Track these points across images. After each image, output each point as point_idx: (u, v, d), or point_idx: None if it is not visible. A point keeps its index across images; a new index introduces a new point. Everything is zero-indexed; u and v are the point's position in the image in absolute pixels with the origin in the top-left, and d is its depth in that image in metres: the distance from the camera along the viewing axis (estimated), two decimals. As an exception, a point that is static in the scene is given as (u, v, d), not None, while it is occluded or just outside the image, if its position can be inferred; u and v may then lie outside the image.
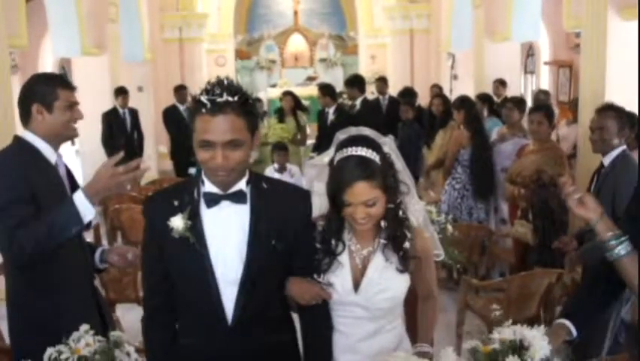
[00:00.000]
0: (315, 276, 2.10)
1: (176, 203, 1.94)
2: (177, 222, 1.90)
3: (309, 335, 2.15)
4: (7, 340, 2.96)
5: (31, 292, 2.56)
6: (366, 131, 2.19)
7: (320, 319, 2.12)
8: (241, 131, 1.83)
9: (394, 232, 2.10)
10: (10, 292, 2.61)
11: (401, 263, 2.10)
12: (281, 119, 8.07)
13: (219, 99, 1.79)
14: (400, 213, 2.12)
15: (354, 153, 2.02)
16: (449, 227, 3.81)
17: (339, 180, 2.01)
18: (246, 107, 1.84)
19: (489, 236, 5.10)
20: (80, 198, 2.32)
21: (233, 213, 1.94)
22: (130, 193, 6.40)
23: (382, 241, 2.12)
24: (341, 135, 2.16)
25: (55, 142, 2.59)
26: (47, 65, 10.43)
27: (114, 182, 2.31)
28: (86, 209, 2.32)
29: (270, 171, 6.48)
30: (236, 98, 1.80)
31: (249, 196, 1.95)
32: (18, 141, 2.58)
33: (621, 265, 1.85)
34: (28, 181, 2.41)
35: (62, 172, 2.63)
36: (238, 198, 1.94)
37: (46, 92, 2.52)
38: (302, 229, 2.04)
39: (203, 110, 1.80)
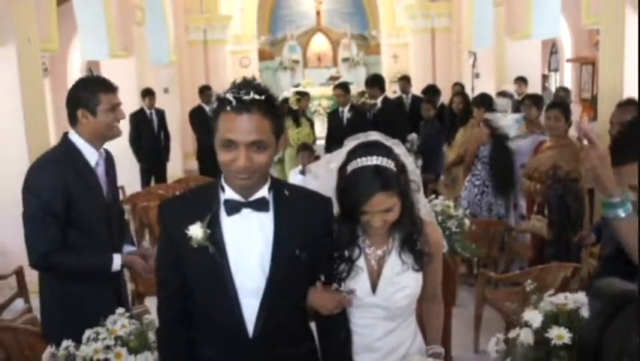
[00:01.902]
0: (336, 285, 2.03)
1: (194, 210, 1.84)
2: (196, 231, 1.80)
3: (327, 342, 2.07)
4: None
5: (59, 282, 2.77)
6: (375, 135, 2.14)
7: (338, 324, 2.06)
8: (266, 133, 1.74)
9: (409, 231, 2.08)
10: (43, 282, 2.84)
11: (416, 261, 2.08)
12: (296, 121, 8.09)
13: (246, 97, 1.70)
14: (414, 212, 2.10)
15: (369, 163, 1.96)
16: (466, 221, 3.89)
17: (355, 192, 1.96)
18: (272, 107, 1.76)
19: (508, 232, 5.17)
20: (117, 260, 2.77)
21: (255, 222, 1.85)
22: (158, 191, 6.60)
23: (396, 241, 2.10)
24: (350, 142, 2.11)
25: (99, 142, 2.80)
26: (75, 68, 10.71)
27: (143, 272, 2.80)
28: (116, 266, 2.78)
29: (296, 174, 6.44)
30: (263, 97, 1.73)
31: (271, 204, 1.86)
32: (64, 140, 2.78)
33: (619, 226, 1.92)
34: (66, 187, 2.63)
35: (101, 172, 2.80)
36: (260, 205, 1.85)
37: (90, 97, 2.71)
38: (324, 237, 1.97)
39: (228, 108, 1.71)
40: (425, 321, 2.27)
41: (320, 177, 2.27)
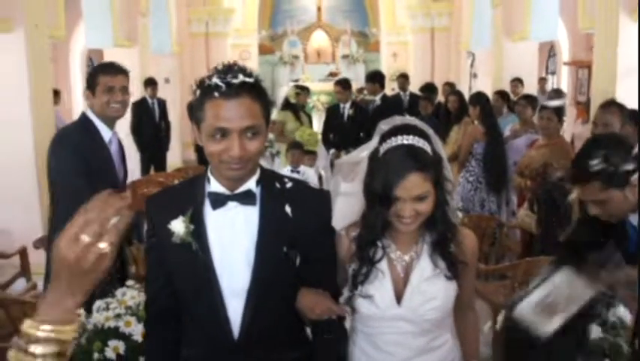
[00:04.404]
0: (348, 289, 1.89)
1: (179, 204, 1.74)
2: (178, 226, 1.70)
3: (320, 349, 1.89)
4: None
5: None
6: (413, 119, 1.96)
7: (333, 330, 1.85)
8: (258, 117, 1.63)
9: (443, 233, 1.86)
10: (49, 257, 3.01)
11: (450, 269, 1.87)
12: (296, 116, 8.05)
13: (235, 80, 1.59)
14: (448, 211, 1.88)
15: (404, 142, 1.78)
16: (459, 214, 4.02)
17: (387, 173, 1.75)
18: (262, 91, 1.66)
19: (500, 227, 5.32)
20: None
21: (241, 216, 1.72)
22: (158, 179, 6.72)
23: (427, 245, 1.89)
24: (384, 125, 1.90)
25: (106, 121, 3.03)
26: (77, 55, 10.82)
27: None
28: None
29: (285, 173, 6.15)
30: (252, 80, 1.63)
31: (258, 197, 1.73)
32: (83, 115, 3.08)
33: None
34: (84, 156, 2.82)
35: (114, 149, 3.02)
36: (246, 198, 1.72)
37: (91, 78, 3.03)
38: (320, 235, 1.81)
39: (216, 94, 1.59)
40: (459, 333, 2.04)
41: (344, 174, 2.05)
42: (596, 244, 2.38)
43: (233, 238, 1.72)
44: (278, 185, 1.78)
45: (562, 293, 1.89)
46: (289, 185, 1.80)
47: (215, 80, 1.60)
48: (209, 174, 1.75)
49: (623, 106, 3.79)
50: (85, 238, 1.02)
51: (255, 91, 1.63)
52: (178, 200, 1.76)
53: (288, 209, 1.74)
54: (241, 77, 1.60)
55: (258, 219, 1.72)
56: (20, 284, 4.76)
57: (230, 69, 1.63)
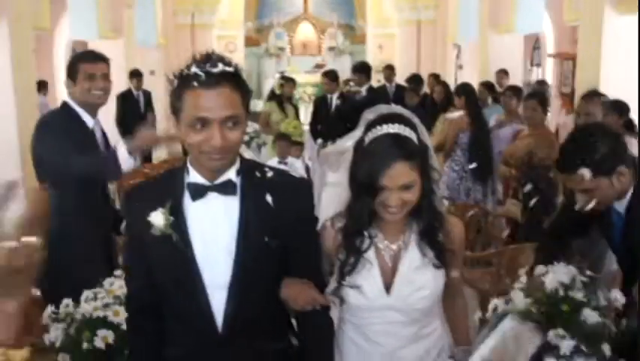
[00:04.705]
0: (336, 280, 1.88)
1: (158, 196, 1.70)
2: (157, 218, 1.67)
3: (306, 338, 1.88)
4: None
5: (59, 243, 2.93)
6: (398, 108, 1.95)
7: (318, 319, 1.83)
8: (238, 107, 1.62)
9: (430, 222, 1.85)
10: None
11: (438, 257, 1.86)
12: (281, 107, 7.95)
13: (214, 70, 1.57)
14: (434, 201, 1.87)
15: (390, 130, 1.76)
16: (445, 202, 4.06)
17: (373, 162, 1.74)
18: (241, 80, 1.64)
19: (485, 216, 5.37)
20: (122, 153, 2.77)
21: (221, 207, 1.70)
22: (144, 170, 6.68)
23: (414, 234, 1.87)
24: (369, 114, 1.88)
25: (88, 108, 3.02)
26: (61, 47, 10.71)
27: (152, 143, 2.84)
28: (125, 163, 2.80)
29: (272, 164, 6.19)
30: (232, 69, 1.61)
31: (239, 186, 1.70)
32: (64, 104, 3.06)
33: None
34: (69, 139, 2.82)
35: (98, 136, 3.00)
36: (226, 188, 1.69)
37: (72, 66, 3.03)
38: (301, 224, 1.78)
39: (195, 84, 1.57)
40: (449, 320, 2.04)
41: (330, 163, 2.03)
42: (580, 231, 2.42)
43: (214, 229, 1.70)
44: (258, 174, 1.75)
45: (509, 344, 1.92)
46: (270, 174, 1.77)
47: (194, 69, 1.58)
48: (188, 164, 1.72)
49: (604, 96, 3.84)
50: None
51: (235, 80, 1.61)
52: (157, 192, 1.73)
53: (269, 198, 1.72)
54: (220, 66, 1.59)
55: (238, 210, 1.70)
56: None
57: (209, 58, 1.61)
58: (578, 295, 1.95)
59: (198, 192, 1.69)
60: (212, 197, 1.69)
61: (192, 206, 1.70)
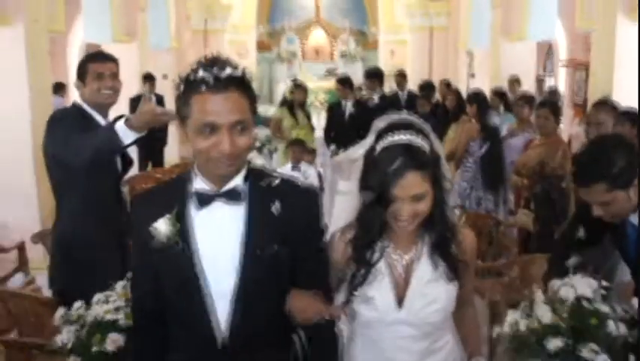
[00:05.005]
0: (346, 293, 1.84)
1: (164, 203, 1.69)
2: (162, 226, 1.66)
3: (312, 351, 1.83)
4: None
5: (70, 244, 2.96)
6: (410, 116, 1.89)
7: (324, 331, 1.80)
8: (246, 112, 1.60)
9: (442, 233, 1.82)
10: (54, 247, 3.09)
11: (450, 270, 1.83)
12: (292, 113, 7.88)
13: (222, 74, 1.55)
14: (447, 211, 1.84)
15: (402, 139, 1.73)
16: (456, 212, 4.05)
17: (384, 172, 1.70)
18: (249, 84, 1.62)
19: (496, 226, 5.34)
20: (120, 126, 2.63)
21: (227, 215, 1.67)
22: (156, 175, 6.73)
23: (427, 246, 1.84)
24: (380, 122, 1.83)
25: (99, 108, 3.03)
26: (75, 50, 10.79)
27: (154, 118, 2.64)
28: (125, 135, 2.63)
29: (285, 170, 5.99)
30: (239, 74, 1.58)
31: (245, 194, 1.68)
32: (74, 105, 3.10)
33: None
34: (80, 132, 2.84)
35: None
36: (233, 196, 1.67)
37: (81, 67, 3.04)
38: (308, 233, 1.75)
39: (203, 89, 1.54)
40: (460, 330, 2.00)
41: (343, 172, 1.98)
42: (592, 240, 2.40)
43: (219, 237, 1.68)
44: (265, 182, 1.73)
45: None
46: (276, 182, 1.74)
47: (202, 73, 1.56)
48: (194, 171, 1.70)
49: (615, 105, 3.82)
50: None
51: (243, 85, 1.59)
52: (163, 199, 1.72)
53: (275, 207, 1.69)
54: (228, 70, 1.56)
55: (244, 218, 1.67)
56: (18, 279, 4.77)
57: (216, 62, 1.58)
58: (603, 307, 1.91)
59: (204, 200, 1.67)
60: (218, 205, 1.67)
61: (198, 214, 1.68)
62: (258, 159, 6.57)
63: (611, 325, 1.88)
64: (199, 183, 1.68)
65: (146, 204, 1.77)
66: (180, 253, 1.66)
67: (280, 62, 16.65)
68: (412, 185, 1.69)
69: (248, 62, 14.50)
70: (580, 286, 1.96)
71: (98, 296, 2.34)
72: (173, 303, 1.75)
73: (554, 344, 1.85)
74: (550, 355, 1.85)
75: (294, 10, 16.89)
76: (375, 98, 8.09)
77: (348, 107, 7.62)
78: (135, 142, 2.67)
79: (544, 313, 1.93)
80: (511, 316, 2.02)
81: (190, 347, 1.75)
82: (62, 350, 2.22)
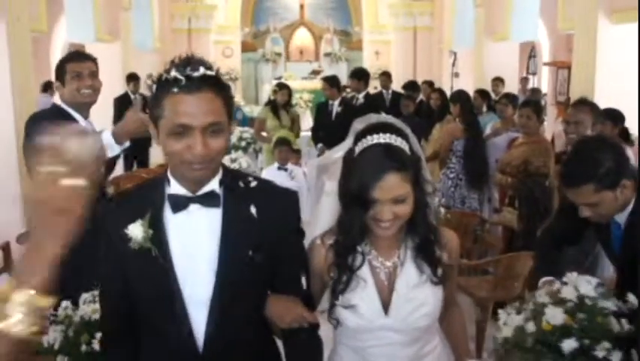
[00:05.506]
0: (329, 300, 1.80)
1: (137, 208, 1.61)
2: (136, 231, 1.58)
3: (292, 358, 1.78)
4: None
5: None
6: (389, 118, 1.88)
7: (304, 337, 1.72)
8: (221, 114, 1.52)
9: (425, 236, 1.78)
10: None
11: (435, 273, 1.78)
12: (275, 113, 7.80)
13: (196, 74, 1.48)
14: (429, 214, 1.79)
15: (381, 140, 1.69)
16: (442, 210, 4.08)
17: (364, 174, 1.66)
18: (224, 85, 1.55)
19: (481, 224, 5.39)
20: (106, 136, 2.67)
21: (203, 219, 1.61)
22: (141, 174, 6.70)
23: (410, 250, 1.80)
24: (359, 124, 1.80)
25: (78, 109, 3.01)
26: (58, 49, 10.71)
27: (139, 126, 2.65)
28: (112, 148, 2.69)
29: (272, 170, 6.05)
30: (213, 73, 1.52)
31: (221, 198, 1.62)
32: (53, 105, 3.11)
33: None
34: None
35: None
36: (209, 200, 1.60)
37: (59, 68, 3.01)
38: (287, 237, 1.69)
39: (175, 90, 1.47)
40: (446, 330, 1.97)
41: (331, 173, 1.92)
42: (575, 237, 2.44)
43: (195, 242, 1.60)
44: (242, 184, 1.66)
45: None
46: (254, 184, 1.68)
47: (174, 73, 1.49)
48: (168, 175, 1.62)
49: (594, 104, 3.90)
50: (56, 175, 0.98)
51: (217, 85, 1.52)
52: (136, 203, 1.64)
53: (253, 210, 1.63)
54: (202, 70, 1.49)
55: (221, 222, 1.61)
56: (2, 280, 4.73)
57: (189, 61, 1.51)
58: (608, 304, 1.89)
59: (179, 204, 1.60)
60: (194, 209, 1.60)
61: (173, 218, 1.61)
62: (243, 159, 6.56)
63: (617, 322, 1.86)
64: (174, 187, 1.61)
65: (118, 208, 1.72)
66: (154, 260, 1.59)
67: (265, 62, 16.70)
68: (391, 187, 1.64)
69: (233, 62, 14.54)
70: (581, 284, 1.93)
71: (85, 296, 2.34)
72: (146, 312, 1.67)
73: (570, 345, 1.82)
74: (564, 356, 1.82)
75: (279, 11, 16.93)
76: (361, 97, 8.10)
77: (335, 106, 7.63)
78: (118, 156, 2.69)
79: (556, 315, 1.86)
80: (508, 317, 1.98)
81: (164, 356, 1.68)
82: (50, 350, 2.21)
